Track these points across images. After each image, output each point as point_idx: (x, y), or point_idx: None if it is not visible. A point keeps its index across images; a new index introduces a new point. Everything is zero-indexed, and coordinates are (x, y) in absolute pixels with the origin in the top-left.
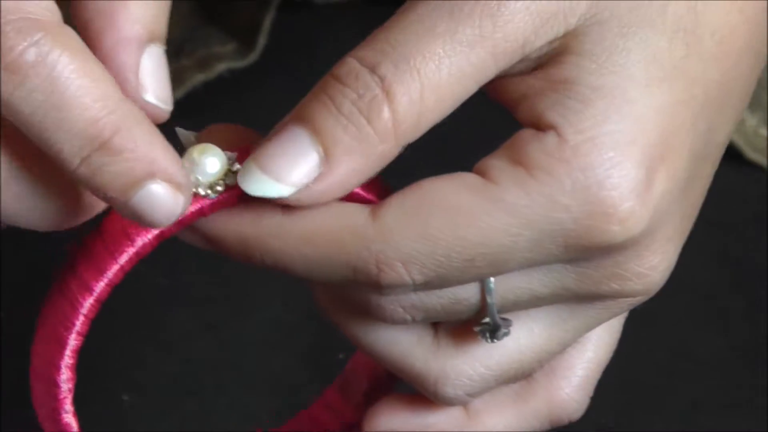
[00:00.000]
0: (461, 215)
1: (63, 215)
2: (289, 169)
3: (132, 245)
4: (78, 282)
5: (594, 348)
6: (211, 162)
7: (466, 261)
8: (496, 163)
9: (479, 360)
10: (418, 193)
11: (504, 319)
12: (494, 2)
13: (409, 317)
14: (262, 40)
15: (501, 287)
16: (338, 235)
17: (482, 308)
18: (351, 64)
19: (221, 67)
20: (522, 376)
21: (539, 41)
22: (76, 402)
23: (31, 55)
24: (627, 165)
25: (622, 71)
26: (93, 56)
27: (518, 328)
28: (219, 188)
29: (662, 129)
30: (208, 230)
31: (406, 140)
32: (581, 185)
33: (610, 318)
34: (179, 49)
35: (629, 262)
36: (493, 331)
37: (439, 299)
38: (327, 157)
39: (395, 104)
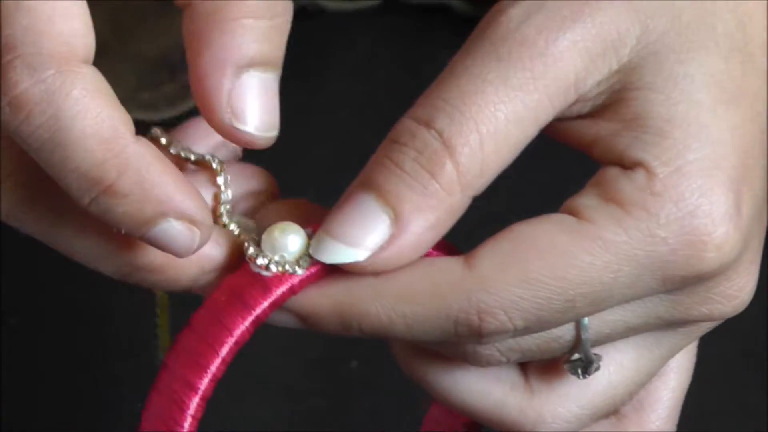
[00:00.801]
0: (560, 256)
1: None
2: (362, 234)
3: (230, 335)
4: (180, 381)
5: (676, 377)
6: (292, 239)
7: (567, 302)
8: (587, 202)
9: (574, 400)
10: (511, 237)
11: (595, 354)
12: (541, 43)
13: (504, 359)
14: None
15: (595, 322)
16: (436, 289)
17: (576, 344)
18: (406, 124)
19: None
20: (614, 409)
21: (591, 78)
22: (84, 408)
23: (36, 92)
24: (716, 191)
25: (689, 98)
26: (109, 95)
27: (607, 362)
28: (304, 264)
29: (739, 150)
30: (300, 308)
31: (473, 191)
32: (675, 216)
33: (692, 341)
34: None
35: (720, 286)
36: (586, 367)
37: (535, 339)
38: (397, 217)
39: (456, 155)
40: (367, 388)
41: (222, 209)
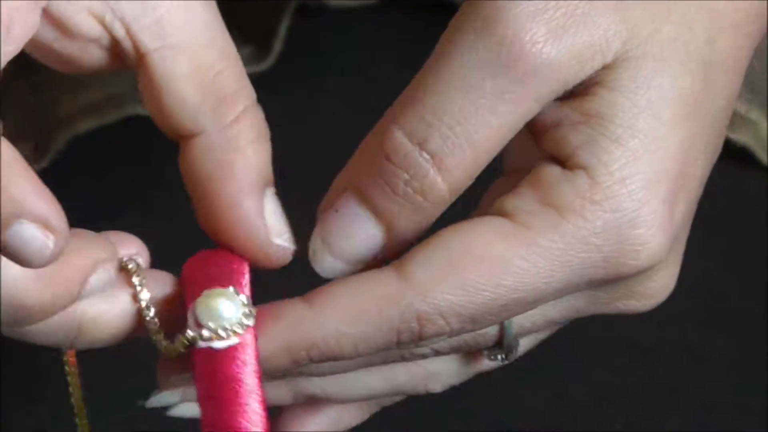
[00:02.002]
0: (496, 263)
1: None
2: (358, 251)
3: None
4: None
5: None
6: (224, 305)
7: (502, 306)
8: (523, 204)
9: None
10: (446, 245)
11: (515, 339)
12: (536, 56)
13: (434, 354)
14: (277, 45)
15: (518, 318)
16: (377, 306)
17: (500, 338)
18: (398, 140)
19: None
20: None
21: (579, 79)
22: (92, 409)
23: None
24: (654, 203)
25: (654, 110)
26: None
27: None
28: (248, 321)
29: (682, 162)
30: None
31: (462, 191)
32: (612, 225)
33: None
34: None
35: (640, 285)
36: (507, 354)
37: (464, 337)
38: (388, 231)
39: (449, 176)
40: None
41: (142, 301)
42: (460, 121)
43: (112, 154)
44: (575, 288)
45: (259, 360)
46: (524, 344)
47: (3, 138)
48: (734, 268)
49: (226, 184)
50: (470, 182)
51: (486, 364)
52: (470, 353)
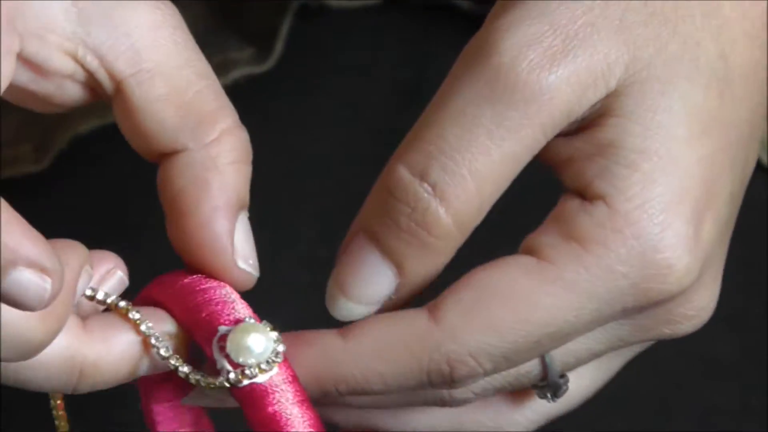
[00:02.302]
0: (523, 301)
1: None
2: (371, 291)
3: None
4: None
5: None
6: (255, 339)
7: (533, 343)
8: (546, 240)
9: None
10: (474, 285)
11: (562, 377)
12: (534, 84)
13: (476, 397)
14: (279, 46)
15: (560, 354)
16: (407, 346)
17: (544, 375)
18: (400, 174)
19: (238, 73)
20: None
21: (582, 108)
22: (83, 405)
23: None
24: (677, 224)
25: (665, 131)
26: None
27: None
28: (277, 358)
29: (705, 180)
30: None
31: (472, 227)
32: (636, 252)
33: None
34: None
35: (680, 308)
36: (555, 392)
37: (506, 377)
38: (400, 271)
39: (452, 208)
40: None
41: (145, 330)
42: (459, 150)
43: (113, 154)
44: (609, 317)
45: (297, 383)
46: (588, 377)
47: None
48: (736, 269)
49: (200, 202)
50: (478, 216)
51: (543, 405)
52: (523, 397)
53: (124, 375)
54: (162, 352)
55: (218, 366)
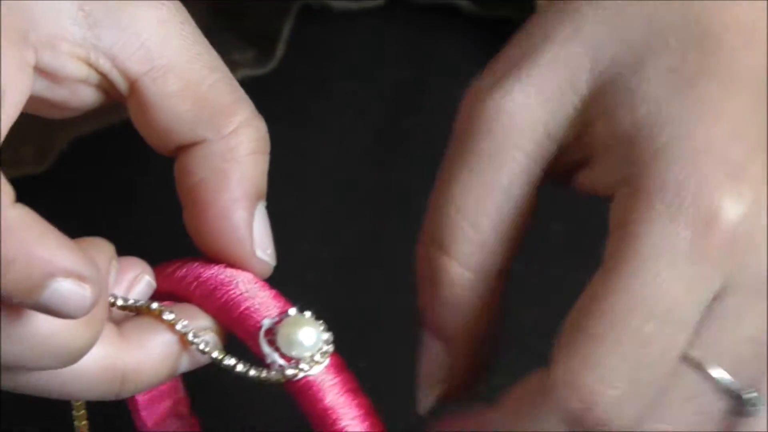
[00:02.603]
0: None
1: None
2: (430, 374)
3: None
4: None
5: None
6: (306, 333)
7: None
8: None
9: None
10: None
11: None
12: (490, 109)
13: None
14: (280, 48)
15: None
16: (534, 396)
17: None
18: (420, 251)
19: (239, 75)
20: None
21: (557, 121)
22: (87, 404)
23: None
24: (704, 165)
25: (648, 98)
26: None
27: None
28: (329, 349)
29: (719, 121)
30: None
31: (486, 264)
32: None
33: None
34: None
35: None
36: (748, 401)
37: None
38: (445, 341)
39: (460, 255)
40: (375, 388)
41: (181, 328)
42: (453, 202)
43: (115, 154)
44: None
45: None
46: None
47: (19, 203)
48: None
49: (219, 193)
50: (491, 256)
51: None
52: None
53: (165, 375)
54: (202, 347)
55: (268, 360)
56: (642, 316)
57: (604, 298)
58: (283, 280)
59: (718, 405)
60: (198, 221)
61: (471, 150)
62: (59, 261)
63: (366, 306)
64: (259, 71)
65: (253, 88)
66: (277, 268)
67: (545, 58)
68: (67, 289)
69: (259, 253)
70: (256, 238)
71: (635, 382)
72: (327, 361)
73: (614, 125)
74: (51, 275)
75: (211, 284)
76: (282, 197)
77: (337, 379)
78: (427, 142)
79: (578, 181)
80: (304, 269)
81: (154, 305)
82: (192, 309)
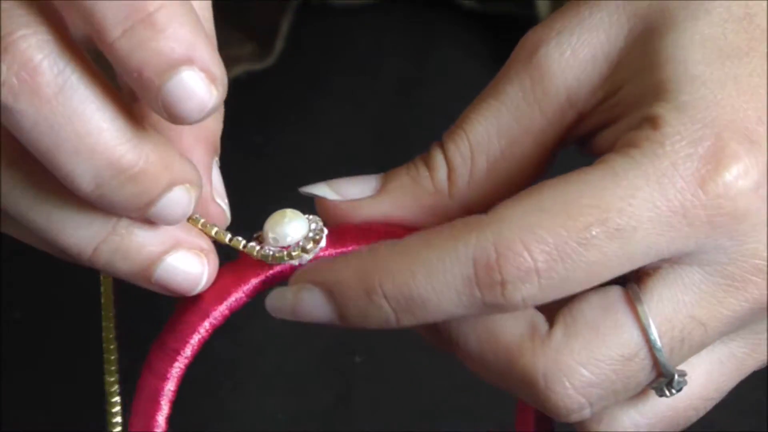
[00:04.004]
0: (574, 184)
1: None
2: (349, 186)
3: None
4: (163, 351)
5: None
6: (293, 227)
7: (586, 231)
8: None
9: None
10: (530, 191)
11: (678, 370)
12: (534, 69)
13: (584, 399)
14: (280, 43)
15: (661, 323)
16: (452, 231)
17: (655, 363)
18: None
19: (238, 70)
20: (675, 425)
21: (582, 91)
22: (89, 402)
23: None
24: (726, 136)
25: (677, 60)
26: None
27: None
28: (322, 231)
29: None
30: (324, 279)
31: (460, 199)
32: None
33: (761, 359)
34: None
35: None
36: (669, 382)
37: (613, 384)
38: (382, 187)
39: (451, 171)
40: (371, 383)
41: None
42: (461, 124)
43: None
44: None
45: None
46: (703, 370)
47: None
48: None
49: (182, 134)
50: (476, 188)
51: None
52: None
53: None
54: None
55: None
56: (595, 219)
57: (570, 181)
58: None
59: (643, 373)
60: None
61: (499, 87)
62: (202, 51)
63: None
64: (259, 66)
65: (252, 82)
66: None
67: (588, 21)
68: (197, 82)
69: (218, 199)
70: (215, 184)
71: (562, 259)
72: (323, 242)
73: (640, 85)
74: (190, 60)
75: None
76: (279, 192)
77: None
78: (427, 137)
79: (595, 145)
80: None
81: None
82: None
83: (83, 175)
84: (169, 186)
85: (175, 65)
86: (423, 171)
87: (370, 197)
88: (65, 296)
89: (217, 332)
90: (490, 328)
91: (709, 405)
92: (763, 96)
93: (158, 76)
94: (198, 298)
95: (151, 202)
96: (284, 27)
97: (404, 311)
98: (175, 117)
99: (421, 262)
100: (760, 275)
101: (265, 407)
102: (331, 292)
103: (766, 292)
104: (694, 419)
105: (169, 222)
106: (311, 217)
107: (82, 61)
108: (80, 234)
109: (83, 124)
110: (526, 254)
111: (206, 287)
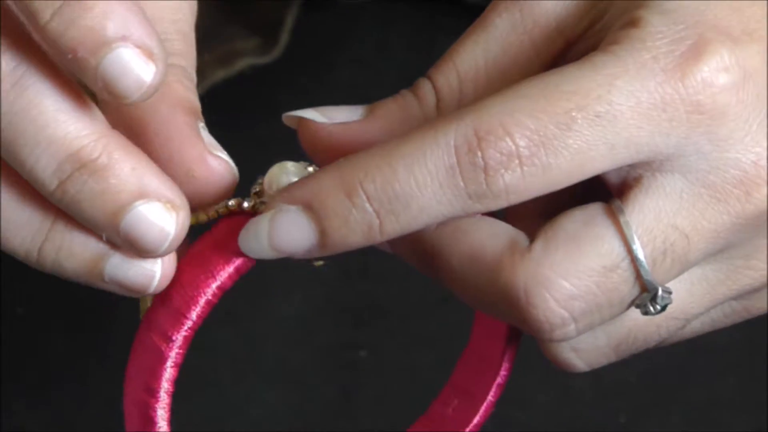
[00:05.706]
0: (556, 75)
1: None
2: (335, 111)
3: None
4: (158, 332)
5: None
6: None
7: (568, 117)
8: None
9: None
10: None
11: (663, 287)
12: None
13: (568, 317)
14: (284, 37)
15: (644, 233)
16: (431, 123)
17: (637, 275)
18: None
19: (242, 64)
20: (641, 342)
21: (570, 19)
22: (90, 399)
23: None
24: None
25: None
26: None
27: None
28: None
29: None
30: (302, 194)
31: (457, 95)
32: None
33: (734, 291)
34: (202, 44)
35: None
36: (653, 297)
37: (591, 277)
38: (370, 113)
39: (436, 87)
40: (375, 377)
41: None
42: (451, 54)
43: None
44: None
45: None
46: (686, 290)
47: None
48: None
49: (157, 105)
50: (459, 93)
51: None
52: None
53: None
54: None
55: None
56: (575, 104)
57: (550, 73)
58: (285, 268)
59: (626, 285)
60: (146, 137)
61: (488, 20)
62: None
63: (367, 295)
64: (263, 60)
65: (257, 76)
66: (276, 259)
67: None
68: (131, 55)
69: (215, 151)
70: (207, 140)
71: (543, 144)
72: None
73: (624, 5)
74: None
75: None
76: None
77: None
78: None
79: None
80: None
81: None
82: None
83: (45, 169)
84: (140, 195)
85: (108, 42)
86: (411, 100)
87: (358, 121)
88: (67, 292)
89: (220, 324)
90: (471, 245)
91: (672, 325)
92: (749, 6)
93: (93, 55)
94: (202, 256)
95: (121, 210)
96: (289, 21)
97: (387, 213)
98: (116, 95)
99: (401, 156)
100: (740, 187)
101: (268, 400)
102: (309, 206)
103: (746, 206)
104: (656, 338)
105: (148, 245)
106: (311, 168)
107: (40, 57)
108: (23, 234)
109: (41, 115)
110: (507, 138)
111: (173, 248)
